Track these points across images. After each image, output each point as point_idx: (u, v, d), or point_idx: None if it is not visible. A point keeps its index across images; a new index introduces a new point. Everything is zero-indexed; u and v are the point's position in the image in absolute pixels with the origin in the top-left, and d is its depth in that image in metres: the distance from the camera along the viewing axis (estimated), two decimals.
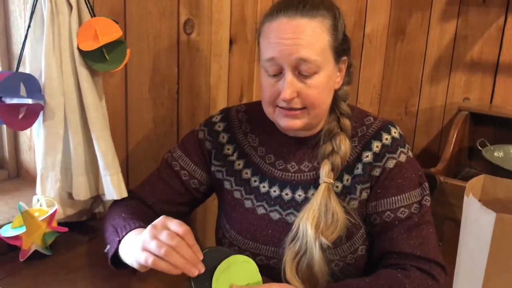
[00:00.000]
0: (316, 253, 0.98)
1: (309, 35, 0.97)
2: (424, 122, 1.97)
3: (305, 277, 0.99)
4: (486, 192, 0.69)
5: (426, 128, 1.96)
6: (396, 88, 2.02)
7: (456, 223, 1.17)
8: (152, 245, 0.83)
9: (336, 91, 1.07)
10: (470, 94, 1.86)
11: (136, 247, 0.87)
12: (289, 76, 0.98)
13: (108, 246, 0.99)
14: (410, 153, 1.07)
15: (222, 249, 0.92)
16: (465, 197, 0.65)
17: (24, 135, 1.29)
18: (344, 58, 1.05)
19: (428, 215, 1.04)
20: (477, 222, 0.59)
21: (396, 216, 1.02)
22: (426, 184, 1.06)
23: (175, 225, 0.86)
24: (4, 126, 1.29)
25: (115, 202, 1.14)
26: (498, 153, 1.63)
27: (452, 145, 1.65)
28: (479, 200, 0.60)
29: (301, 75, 0.98)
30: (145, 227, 0.92)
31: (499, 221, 0.55)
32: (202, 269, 0.83)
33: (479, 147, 1.63)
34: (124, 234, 0.96)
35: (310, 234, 0.98)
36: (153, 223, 0.88)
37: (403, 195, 1.03)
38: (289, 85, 0.97)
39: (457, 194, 1.39)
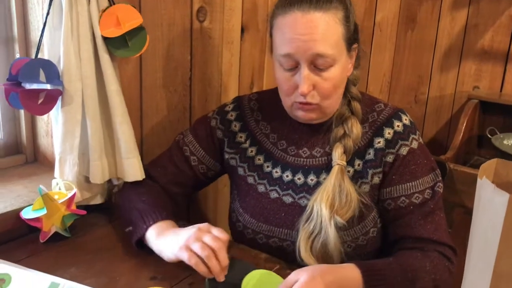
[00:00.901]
0: (331, 232, 1.01)
1: (324, 29, 0.98)
2: (433, 111, 1.98)
3: (320, 255, 1.02)
4: (499, 175, 0.71)
5: (436, 117, 1.97)
6: (406, 76, 2.03)
7: (465, 210, 1.19)
8: (196, 246, 0.91)
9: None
10: (480, 83, 1.87)
11: (176, 242, 0.95)
12: (305, 70, 0.99)
13: (130, 228, 1.05)
14: (421, 140, 1.10)
15: (242, 261, 0.98)
16: (478, 179, 0.66)
17: (41, 120, 1.32)
18: (355, 45, 1.07)
19: (440, 202, 1.07)
20: (490, 203, 0.61)
21: (410, 201, 1.05)
22: (438, 171, 1.09)
23: (218, 231, 0.94)
24: (22, 113, 1.31)
25: (132, 182, 1.17)
26: (508, 141, 1.64)
27: (462, 133, 1.67)
28: (492, 183, 0.61)
29: (316, 68, 1.00)
30: (171, 218, 1.03)
31: None
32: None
33: (489, 135, 1.65)
34: (151, 223, 1.02)
35: (324, 214, 1.01)
36: (198, 225, 0.96)
37: (417, 181, 1.06)
38: (306, 80, 0.99)
39: (466, 182, 1.41)
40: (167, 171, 1.19)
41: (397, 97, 2.04)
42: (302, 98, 1.02)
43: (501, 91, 1.82)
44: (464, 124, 1.68)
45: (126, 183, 1.19)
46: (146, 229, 1.02)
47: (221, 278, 0.90)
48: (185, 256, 0.92)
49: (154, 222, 1.02)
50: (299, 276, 0.88)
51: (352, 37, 1.05)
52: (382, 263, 0.98)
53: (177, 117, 1.54)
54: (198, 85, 1.57)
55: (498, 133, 1.66)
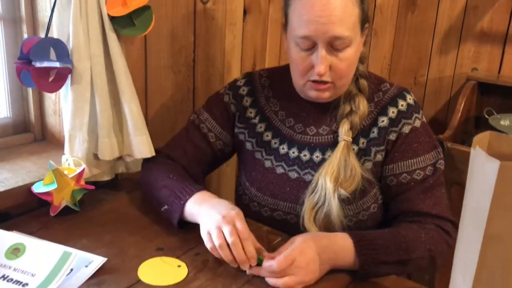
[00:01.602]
0: (334, 204, 1.05)
1: (342, 11, 0.99)
2: (432, 92, 2.01)
3: (322, 225, 1.06)
4: (492, 147, 0.75)
5: (435, 98, 2.00)
6: (406, 58, 2.05)
7: (462, 187, 1.21)
8: (226, 229, 0.92)
9: None
10: (478, 65, 1.89)
11: (210, 217, 0.97)
12: (322, 51, 1.02)
13: (166, 206, 1.07)
14: (424, 119, 1.13)
15: None
16: (472, 149, 0.70)
17: (49, 99, 1.35)
18: (367, 25, 1.10)
19: (441, 178, 1.11)
20: (482, 170, 0.64)
21: (412, 177, 1.09)
22: (440, 148, 1.13)
23: (243, 224, 0.95)
24: (30, 92, 1.34)
25: (152, 162, 1.20)
26: (504, 122, 1.67)
27: (460, 114, 1.70)
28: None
29: (333, 49, 1.02)
30: (205, 189, 1.06)
31: (503, 168, 0.61)
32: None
33: (486, 116, 1.68)
34: (187, 197, 1.04)
35: (329, 186, 1.05)
36: (232, 208, 0.98)
37: (419, 158, 1.09)
38: (323, 60, 1.02)
39: (463, 160, 1.44)
40: (186, 150, 1.22)
41: (397, 79, 2.07)
42: (317, 77, 1.04)
43: (499, 72, 1.85)
44: (462, 105, 1.71)
45: (146, 164, 1.22)
46: (184, 204, 1.04)
47: (246, 267, 0.93)
48: (206, 241, 0.96)
49: (190, 196, 1.04)
50: (294, 240, 0.94)
51: (366, 17, 1.08)
52: (375, 233, 1.02)
53: (181, 97, 1.57)
54: (201, 66, 1.60)
55: (495, 113, 1.70)
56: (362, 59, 1.14)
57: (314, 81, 1.06)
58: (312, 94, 1.09)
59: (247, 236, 0.94)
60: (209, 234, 0.95)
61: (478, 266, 0.65)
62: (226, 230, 0.93)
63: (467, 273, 0.66)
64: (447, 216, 1.08)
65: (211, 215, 0.98)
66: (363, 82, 1.12)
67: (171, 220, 1.07)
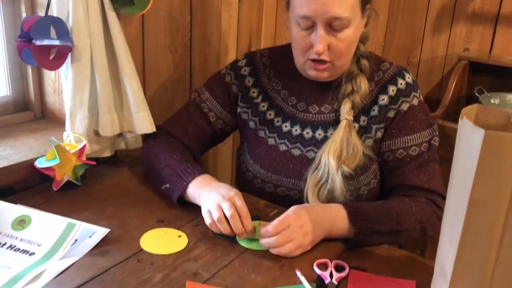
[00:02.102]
0: (338, 180, 1.09)
1: None
2: (425, 72, 2.04)
3: (325, 201, 1.11)
4: (479, 118, 0.78)
5: (427, 78, 2.03)
6: (399, 39, 2.08)
7: (451, 164, 1.26)
8: (225, 205, 0.97)
9: None
10: (470, 45, 1.92)
11: (211, 197, 1.01)
12: (321, 31, 1.04)
13: (167, 185, 1.10)
14: (421, 98, 1.17)
15: None
16: (459, 120, 0.74)
17: (48, 78, 1.37)
18: (368, 6, 1.12)
19: (436, 154, 1.15)
20: (468, 139, 0.68)
21: (408, 153, 1.13)
22: (436, 126, 1.17)
23: (242, 202, 1.00)
24: (30, 71, 1.36)
25: (154, 138, 1.23)
26: (495, 100, 1.71)
27: (451, 92, 1.73)
28: None
29: (332, 29, 1.05)
30: (208, 173, 1.10)
31: (487, 137, 0.64)
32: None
33: (477, 94, 1.71)
34: (190, 179, 1.08)
35: (332, 164, 1.09)
36: (231, 189, 1.02)
37: (415, 135, 1.13)
38: (321, 40, 1.05)
39: (454, 137, 1.48)
40: (187, 129, 1.24)
41: (390, 60, 2.09)
42: (316, 56, 1.07)
43: (490, 52, 1.88)
44: (454, 84, 1.75)
45: (148, 140, 1.25)
46: (187, 186, 1.07)
47: (241, 236, 0.98)
48: (206, 217, 1.00)
49: (192, 179, 1.08)
50: (288, 210, 1.00)
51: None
52: (368, 205, 1.06)
53: (178, 77, 1.60)
54: (198, 45, 1.62)
55: (486, 92, 1.73)
56: (364, 40, 1.17)
57: (313, 60, 1.09)
58: (311, 73, 1.12)
59: (245, 214, 0.98)
60: (209, 211, 0.99)
61: (464, 229, 0.69)
62: (225, 205, 0.97)
63: (454, 236, 0.71)
64: (439, 191, 1.12)
65: (211, 196, 1.01)
66: (365, 63, 1.15)
67: (171, 198, 1.10)
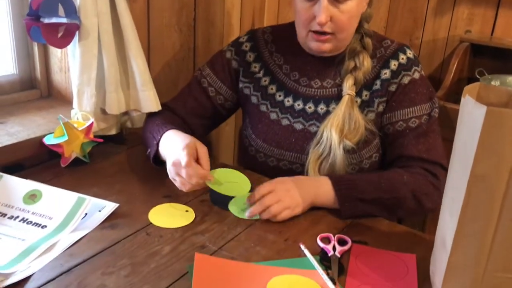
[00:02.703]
0: (339, 154, 1.11)
1: None
2: (426, 54, 2.05)
3: (326, 175, 1.12)
4: (481, 97, 0.80)
5: (429, 60, 2.05)
6: (402, 21, 2.08)
7: (451, 144, 1.29)
8: (177, 183, 1.02)
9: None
10: (472, 27, 1.93)
11: (168, 166, 1.03)
12: (324, 2, 1.06)
13: (148, 150, 1.14)
14: (422, 72, 1.19)
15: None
16: (462, 98, 0.76)
17: (55, 57, 1.38)
18: None
19: (436, 125, 1.17)
20: (470, 116, 0.70)
21: (407, 125, 1.15)
22: (436, 99, 1.19)
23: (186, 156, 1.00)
24: (36, 50, 1.38)
25: (151, 114, 1.26)
26: (495, 82, 1.73)
27: (452, 74, 1.75)
28: None
29: (335, 0, 1.07)
30: (176, 128, 1.10)
31: (489, 114, 0.66)
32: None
33: (478, 76, 1.73)
34: (159, 137, 1.10)
35: (334, 138, 1.11)
36: (173, 160, 1.01)
37: (415, 107, 1.15)
38: (324, 10, 1.06)
39: (454, 118, 1.50)
40: (187, 103, 1.27)
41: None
42: (318, 27, 1.09)
43: (492, 34, 1.89)
44: (455, 66, 1.76)
45: (147, 116, 1.27)
46: (157, 145, 1.10)
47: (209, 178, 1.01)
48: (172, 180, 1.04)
49: (161, 135, 1.10)
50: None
51: None
52: (355, 175, 1.10)
53: (182, 56, 1.61)
54: (201, 25, 1.63)
55: (486, 74, 1.75)
56: (367, 19, 1.19)
57: (316, 32, 1.11)
58: (313, 45, 1.14)
59: (202, 157, 1.01)
60: (169, 175, 1.03)
61: (464, 203, 0.71)
62: (177, 182, 1.02)
63: (454, 210, 0.73)
64: (439, 161, 1.13)
65: (168, 164, 1.03)
66: (368, 41, 1.17)
67: (151, 161, 1.13)
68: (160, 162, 1.12)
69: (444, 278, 0.76)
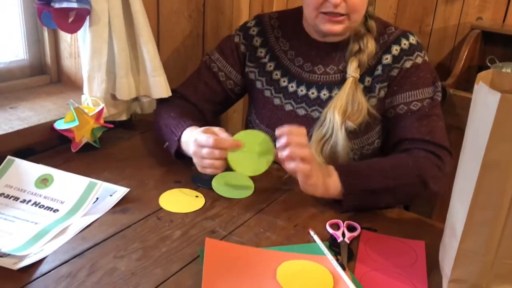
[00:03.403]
0: (341, 136, 1.11)
1: None
2: (436, 41, 2.03)
3: (328, 158, 1.13)
4: (494, 83, 0.80)
5: (439, 47, 2.03)
6: (412, 7, 2.07)
7: (462, 132, 1.29)
8: (195, 159, 1.03)
9: None
10: (483, 14, 1.91)
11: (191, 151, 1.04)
12: None
13: (167, 143, 1.14)
14: (426, 57, 1.18)
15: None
16: (475, 85, 0.75)
17: (65, 42, 1.39)
18: None
19: (438, 109, 1.15)
20: (484, 102, 0.70)
21: (409, 108, 1.14)
22: (439, 83, 1.17)
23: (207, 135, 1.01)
24: (46, 35, 1.38)
25: (163, 102, 1.26)
26: (506, 70, 1.71)
27: (463, 62, 1.74)
28: None
29: None
30: (196, 124, 1.10)
31: (503, 100, 0.66)
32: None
33: (488, 64, 1.72)
34: (180, 133, 1.10)
35: (337, 119, 1.11)
36: (197, 139, 1.02)
37: (417, 90, 1.14)
38: None
39: (464, 106, 1.49)
40: (197, 89, 1.27)
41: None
42: (332, 8, 1.08)
43: (503, 22, 1.87)
44: (466, 53, 1.75)
45: (158, 103, 1.27)
46: (179, 141, 1.10)
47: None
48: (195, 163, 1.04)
49: (181, 133, 1.10)
50: None
51: None
52: (360, 162, 1.09)
53: (191, 43, 1.61)
54: (210, 12, 1.63)
55: (497, 62, 1.74)
56: (370, 1, 1.18)
57: (328, 13, 1.10)
58: (324, 27, 1.12)
59: (220, 139, 1.00)
60: (194, 152, 1.03)
61: (475, 190, 0.71)
62: (204, 151, 1.00)
63: (465, 198, 0.73)
64: (441, 143, 1.11)
65: (191, 147, 1.04)
66: (371, 23, 1.17)
67: (171, 155, 1.13)
68: (181, 156, 1.12)
69: (454, 265, 0.76)
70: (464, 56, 1.74)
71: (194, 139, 1.03)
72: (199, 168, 1.04)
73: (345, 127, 1.12)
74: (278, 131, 0.98)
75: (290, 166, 0.97)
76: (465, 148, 0.76)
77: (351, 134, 1.13)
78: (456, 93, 1.54)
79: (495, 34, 1.80)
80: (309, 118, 1.20)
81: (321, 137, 1.14)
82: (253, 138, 1.03)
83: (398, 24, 2.11)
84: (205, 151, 1.00)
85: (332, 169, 1.03)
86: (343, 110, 1.12)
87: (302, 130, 0.98)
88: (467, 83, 1.78)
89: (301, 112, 1.21)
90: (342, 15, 1.10)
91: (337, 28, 1.12)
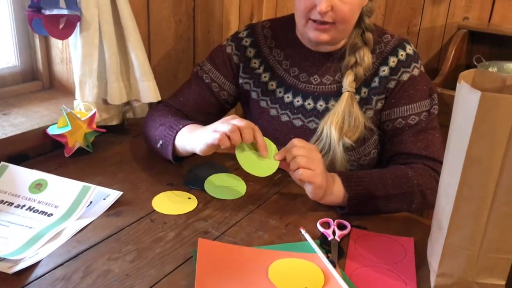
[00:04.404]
0: (339, 152, 1.12)
1: None
2: (425, 41, 2.06)
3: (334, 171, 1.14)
4: (476, 82, 0.82)
5: (427, 47, 2.06)
6: (400, 8, 2.09)
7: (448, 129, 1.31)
8: (223, 126, 0.98)
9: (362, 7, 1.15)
10: (469, 14, 1.94)
11: (205, 131, 1.01)
12: None
13: (160, 141, 1.13)
14: (422, 68, 1.18)
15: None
16: (457, 84, 0.77)
17: (56, 48, 1.40)
18: None
19: (435, 122, 1.16)
20: (465, 101, 0.72)
21: (406, 122, 1.15)
22: (435, 95, 1.18)
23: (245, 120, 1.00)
24: (37, 41, 1.39)
25: (154, 109, 1.25)
26: (492, 69, 1.74)
27: (450, 61, 1.77)
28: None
29: None
30: (199, 124, 1.09)
31: (483, 98, 0.68)
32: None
33: (475, 63, 1.75)
34: (180, 127, 1.09)
35: (334, 136, 1.12)
36: (224, 118, 1.02)
37: (414, 104, 1.15)
38: None
39: (452, 104, 1.52)
40: (189, 100, 1.25)
41: (390, 29, 2.11)
42: (318, 16, 1.07)
43: (489, 21, 1.90)
44: (453, 53, 1.78)
45: (148, 112, 1.27)
46: (176, 134, 1.09)
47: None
48: (213, 137, 0.98)
49: (183, 126, 1.09)
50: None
51: None
52: (362, 172, 1.08)
53: (182, 47, 1.62)
54: (201, 16, 1.64)
55: (484, 61, 1.76)
56: (368, 13, 1.17)
57: (315, 21, 1.09)
58: (312, 34, 1.12)
59: (257, 128, 1.00)
60: (215, 130, 0.99)
61: (460, 185, 0.73)
62: (235, 121, 0.98)
63: (450, 191, 0.75)
64: (438, 158, 1.11)
65: (207, 129, 1.01)
66: (369, 36, 1.16)
67: (166, 155, 1.12)
68: (174, 158, 1.12)
69: (441, 260, 0.79)
70: (452, 56, 1.77)
71: (224, 121, 1.00)
72: (209, 132, 0.99)
73: (342, 143, 1.12)
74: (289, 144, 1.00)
75: (297, 174, 0.98)
76: (449, 145, 0.78)
77: (349, 147, 1.14)
78: (444, 92, 1.57)
79: (481, 33, 1.83)
80: (306, 129, 1.20)
81: (319, 151, 1.14)
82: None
83: (386, 24, 2.14)
84: (241, 122, 0.97)
85: (335, 175, 1.04)
86: (339, 126, 1.12)
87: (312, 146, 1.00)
88: (454, 82, 1.79)
89: (298, 123, 1.21)
90: (328, 23, 1.09)
91: (324, 37, 1.11)
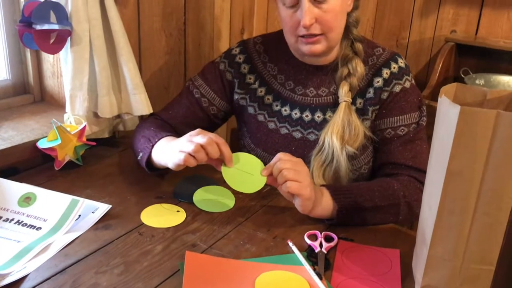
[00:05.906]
0: (343, 160, 1.14)
1: None
2: (413, 54, 2.09)
3: (331, 181, 1.16)
4: (457, 96, 0.84)
5: (415, 60, 2.09)
6: (389, 21, 2.12)
7: None
8: (198, 138, 1.00)
9: (347, 18, 1.17)
10: (457, 27, 1.97)
11: (172, 149, 1.03)
12: (305, 4, 1.07)
13: (140, 154, 1.14)
14: (413, 81, 1.21)
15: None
16: (439, 98, 0.79)
17: (47, 62, 1.41)
18: None
19: (423, 133, 1.19)
20: (446, 115, 0.73)
21: (396, 133, 1.17)
22: (424, 107, 1.21)
23: (210, 134, 1.02)
24: (29, 55, 1.40)
25: (143, 121, 1.27)
26: (480, 81, 1.77)
27: (438, 73, 1.79)
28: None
29: (316, 1, 1.08)
30: (175, 136, 1.10)
31: (463, 112, 0.70)
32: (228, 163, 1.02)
33: (462, 75, 1.77)
34: (156, 140, 1.11)
35: (336, 145, 1.13)
36: (188, 133, 1.03)
37: (404, 115, 1.17)
38: (307, 13, 1.07)
39: None
40: (178, 113, 1.27)
41: (379, 42, 2.14)
42: (305, 31, 1.09)
43: (476, 34, 1.93)
44: (440, 65, 1.80)
45: (139, 124, 1.28)
46: (152, 147, 1.10)
47: (217, 166, 1.02)
48: (176, 159, 1.00)
49: (159, 139, 1.11)
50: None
51: None
52: (349, 184, 1.11)
53: (173, 60, 1.64)
54: (192, 29, 1.66)
55: (471, 73, 1.79)
56: (355, 24, 1.19)
57: (304, 36, 1.11)
58: (304, 48, 1.13)
59: (223, 141, 1.01)
60: (180, 151, 1.00)
61: (442, 198, 0.75)
62: (198, 137, 1.00)
63: (433, 203, 0.77)
64: (423, 169, 1.11)
65: (180, 141, 1.03)
66: (358, 46, 1.18)
67: (142, 165, 1.13)
68: (152, 168, 1.13)
69: (424, 271, 0.80)
70: (439, 68, 1.79)
71: (188, 140, 1.01)
72: (176, 151, 1.01)
73: (345, 152, 1.14)
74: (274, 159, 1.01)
75: (285, 187, 0.98)
76: (432, 157, 0.80)
77: (351, 156, 1.16)
78: (432, 104, 1.59)
79: (468, 46, 1.86)
80: (306, 140, 1.21)
81: (322, 162, 1.16)
82: (248, 159, 1.05)
83: (375, 37, 2.16)
84: (203, 139, 0.99)
85: (323, 188, 1.06)
86: (340, 135, 1.14)
87: (297, 159, 1.01)
88: None
89: (297, 135, 1.22)
90: (317, 35, 1.11)
91: (316, 48, 1.13)
